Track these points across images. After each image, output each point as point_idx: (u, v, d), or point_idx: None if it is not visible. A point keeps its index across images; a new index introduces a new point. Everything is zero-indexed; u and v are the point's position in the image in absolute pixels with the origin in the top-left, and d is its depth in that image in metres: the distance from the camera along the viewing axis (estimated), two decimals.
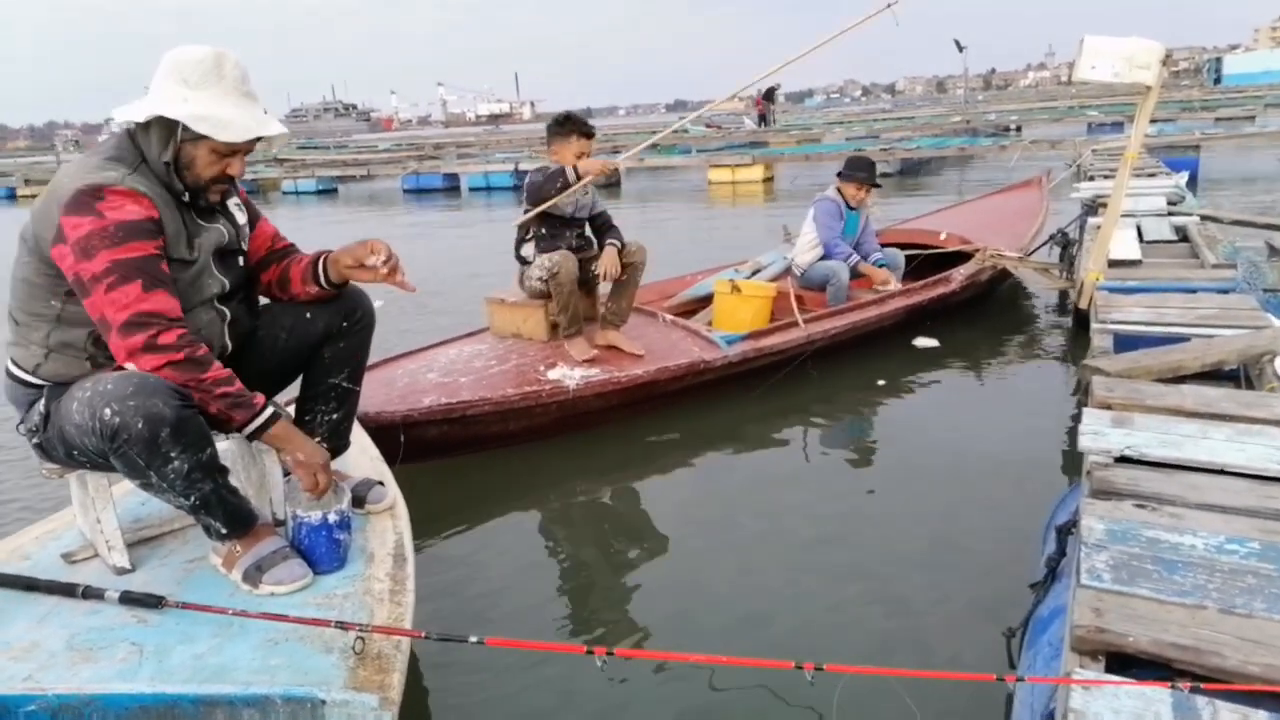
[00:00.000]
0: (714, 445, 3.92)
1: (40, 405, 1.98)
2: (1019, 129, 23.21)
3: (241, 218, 2.18)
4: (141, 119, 1.93)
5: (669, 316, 4.58)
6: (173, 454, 1.82)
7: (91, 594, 1.94)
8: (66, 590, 1.96)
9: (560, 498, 3.52)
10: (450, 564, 2.99)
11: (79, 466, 2.03)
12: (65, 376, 1.94)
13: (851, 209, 5.33)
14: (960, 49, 30.32)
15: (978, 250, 5.52)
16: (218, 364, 1.92)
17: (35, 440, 2.02)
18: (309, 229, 14.65)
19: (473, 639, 1.62)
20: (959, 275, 5.32)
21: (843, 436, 4.12)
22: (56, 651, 1.79)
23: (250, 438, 2.01)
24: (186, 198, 2.00)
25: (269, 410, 1.98)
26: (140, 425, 1.76)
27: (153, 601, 1.88)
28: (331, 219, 16.18)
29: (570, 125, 4.06)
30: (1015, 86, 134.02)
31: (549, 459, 3.77)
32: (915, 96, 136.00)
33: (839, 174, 5.40)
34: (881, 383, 4.59)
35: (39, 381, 1.98)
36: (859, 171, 5.32)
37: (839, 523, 3.18)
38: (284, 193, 21.15)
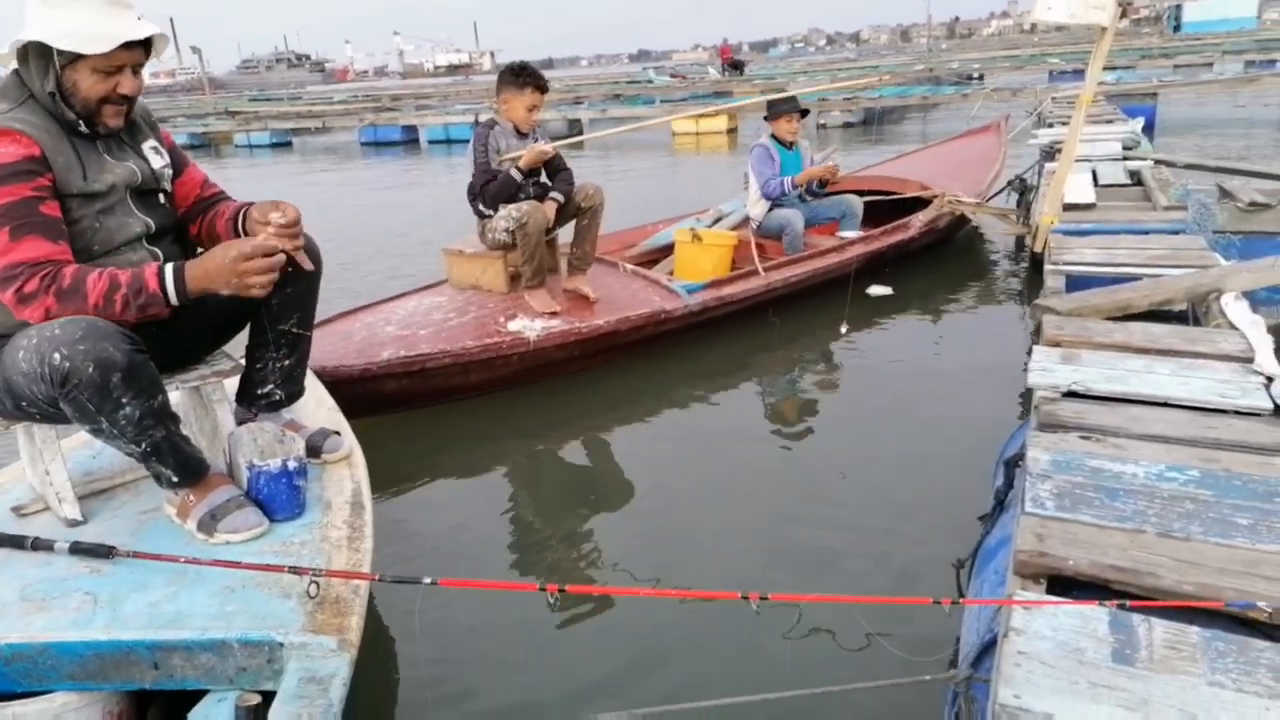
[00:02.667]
0: (674, 392, 3.94)
1: None
2: (981, 77, 23.25)
3: (159, 161, 2.11)
4: (5, 49, 1.89)
5: (629, 266, 4.56)
6: (124, 399, 1.79)
7: (41, 545, 1.91)
8: (15, 542, 1.93)
9: (520, 447, 3.53)
10: (409, 512, 3.00)
11: (27, 418, 1.99)
12: (5, 327, 1.89)
13: (787, 147, 5.31)
14: None
15: (936, 196, 5.55)
16: (93, 277, 1.81)
17: None
18: (264, 182, 14.30)
19: (426, 580, 1.63)
20: (917, 221, 5.34)
21: (801, 381, 4.17)
22: (9, 602, 1.77)
23: (184, 303, 1.89)
24: (84, 129, 1.94)
25: (167, 271, 1.85)
26: (91, 370, 1.73)
27: (103, 551, 1.86)
28: (287, 172, 15.82)
29: (526, 77, 3.98)
30: (979, 35, 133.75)
31: (509, 409, 3.76)
32: (880, 45, 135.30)
33: (765, 118, 5.37)
34: (844, 329, 4.63)
35: None
36: (781, 106, 5.30)
37: (795, 463, 3.24)
38: (236, 146, 20.65)
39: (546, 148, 3.95)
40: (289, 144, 20.79)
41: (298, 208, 2.01)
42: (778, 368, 4.31)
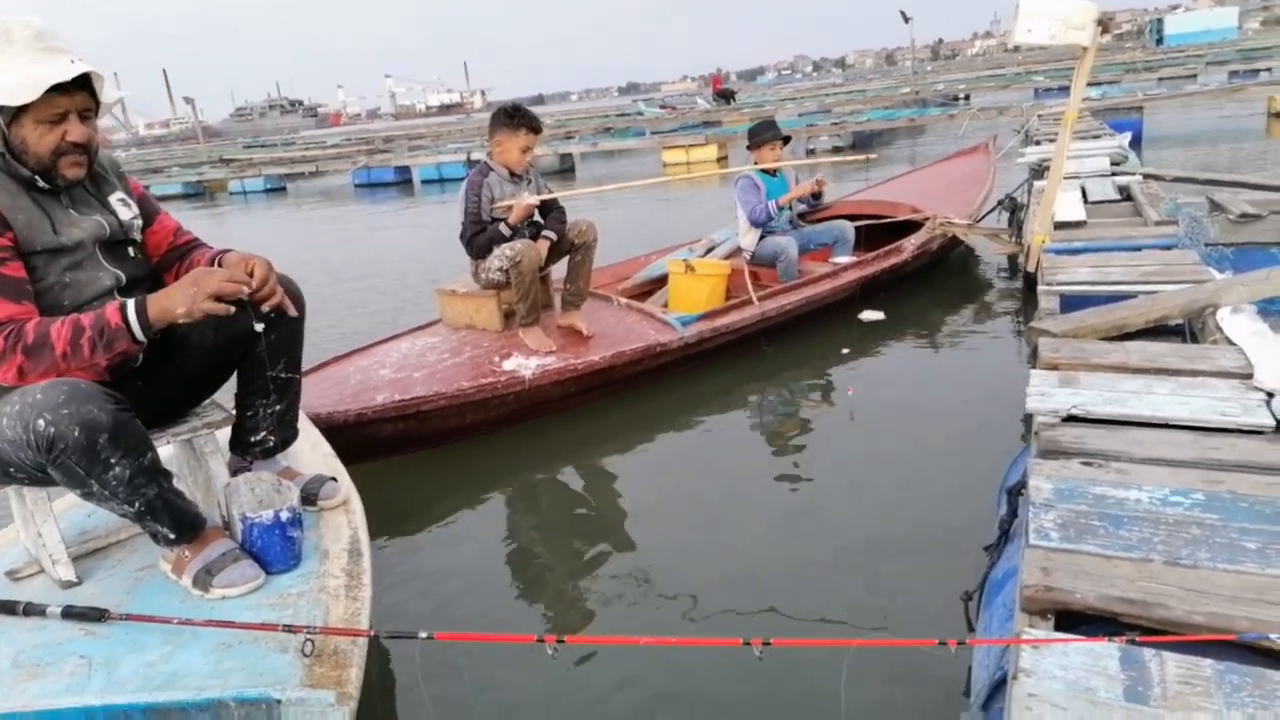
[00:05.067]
0: (671, 427, 3.91)
1: None
2: (967, 97, 23.46)
3: (127, 213, 2.08)
4: None
5: (623, 300, 4.56)
6: (113, 460, 1.77)
7: (33, 610, 1.88)
8: (7, 608, 1.90)
9: (517, 488, 3.50)
10: (408, 557, 2.97)
11: (15, 483, 1.97)
12: None
13: (771, 175, 5.33)
14: (906, 20, 30.42)
15: (928, 219, 5.56)
16: (55, 326, 1.79)
17: None
18: (259, 228, 14.39)
19: (422, 635, 1.60)
20: (910, 245, 5.35)
21: (797, 411, 4.14)
22: (1, 670, 1.73)
23: (151, 337, 1.85)
24: (43, 184, 1.90)
25: (129, 304, 1.82)
26: (77, 433, 1.70)
27: (96, 615, 1.83)
28: (281, 217, 15.89)
29: (520, 119, 4.00)
30: (963, 56, 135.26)
31: (506, 449, 3.74)
32: (865, 70, 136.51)
33: (747, 147, 5.40)
34: (845, 351, 4.62)
35: None
36: (763, 134, 5.32)
37: (794, 498, 3.20)
38: (231, 193, 20.77)
39: (533, 200, 3.96)
40: (283, 189, 20.91)
41: (266, 262, 1.98)
42: (773, 398, 4.29)
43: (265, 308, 1.96)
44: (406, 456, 3.63)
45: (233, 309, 1.85)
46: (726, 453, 3.66)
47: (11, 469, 1.85)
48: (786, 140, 5.44)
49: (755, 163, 5.32)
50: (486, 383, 3.63)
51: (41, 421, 1.69)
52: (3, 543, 2.30)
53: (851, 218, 5.76)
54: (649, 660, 2.23)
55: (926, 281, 5.76)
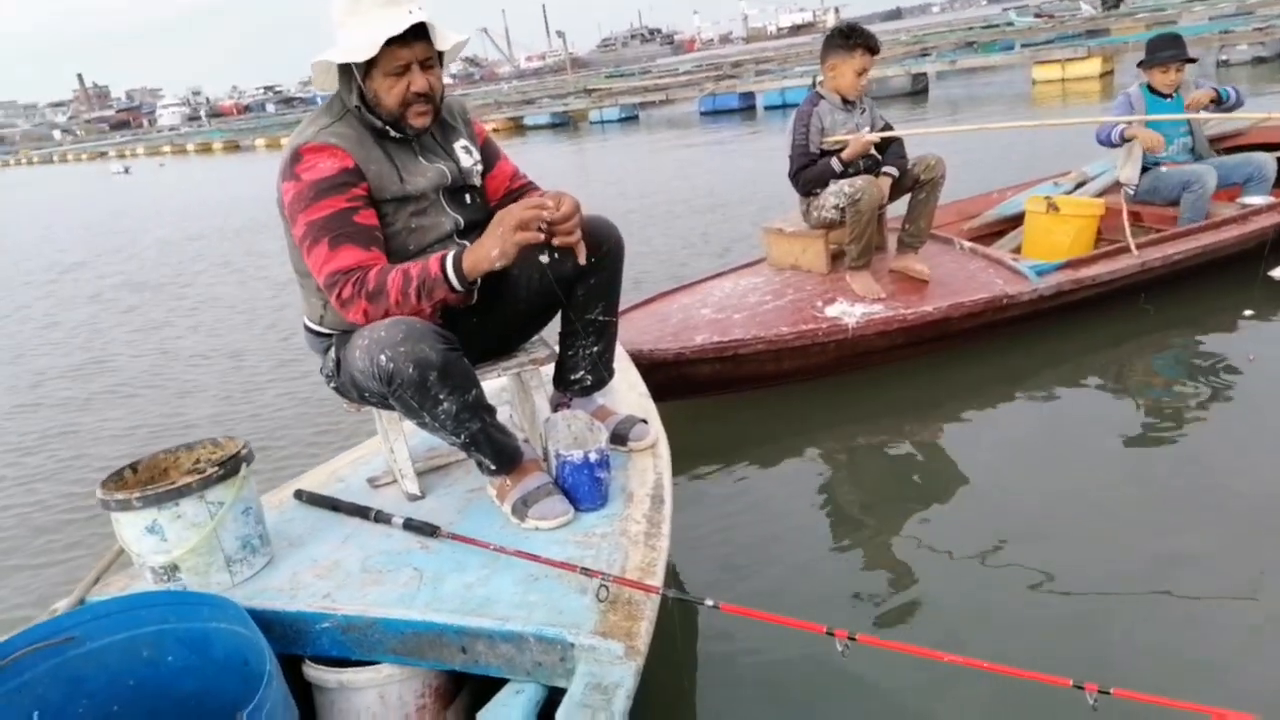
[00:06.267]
0: (1017, 394, 3.48)
1: (332, 353, 2.17)
2: None
3: (468, 159, 2.20)
4: (313, 77, 2.04)
5: (966, 244, 4.13)
6: (441, 395, 1.91)
7: (381, 519, 2.13)
8: (361, 513, 2.17)
9: (830, 446, 3.32)
10: (704, 510, 2.93)
11: (370, 405, 2.21)
12: (346, 325, 2.09)
13: (1164, 97, 4.42)
14: None
15: None
16: (392, 275, 1.92)
17: (332, 385, 2.24)
18: (612, 157, 15.21)
19: (708, 603, 1.54)
20: None
21: (1184, 387, 3.45)
22: (352, 572, 1.97)
23: (467, 286, 1.94)
24: (394, 134, 2.05)
25: (448, 260, 1.91)
26: (411, 370, 1.86)
27: (429, 530, 2.03)
28: (631, 146, 16.67)
29: (856, 38, 3.72)
30: None
31: (823, 400, 3.57)
32: None
33: (1139, 64, 4.50)
34: (1248, 313, 3.82)
35: (326, 330, 2.18)
36: (1163, 51, 4.40)
37: (1167, 503, 2.65)
38: (591, 122, 22.19)
39: (871, 138, 3.69)
40: (635, 118, 21.94)
41: (575, 200, 1.98)
42: (1150, 369, 3.65)
43: (556, 242, 1.96)
44: (720, 398, 3.62)
45: (541, 235, 1.90)
46: (1083, 433, 3.14)
47: (366, 394, 2.09)
48: (1191, 61, 4.51)
49: (1145, 83, 4.49)
50: (807, 329, 3.48)
51: (383, 357, 1.87)
52: (368, 451, 2.63)
53: (1271, 147, 4.69)
54: (949, 680, 1.97)
55: None
